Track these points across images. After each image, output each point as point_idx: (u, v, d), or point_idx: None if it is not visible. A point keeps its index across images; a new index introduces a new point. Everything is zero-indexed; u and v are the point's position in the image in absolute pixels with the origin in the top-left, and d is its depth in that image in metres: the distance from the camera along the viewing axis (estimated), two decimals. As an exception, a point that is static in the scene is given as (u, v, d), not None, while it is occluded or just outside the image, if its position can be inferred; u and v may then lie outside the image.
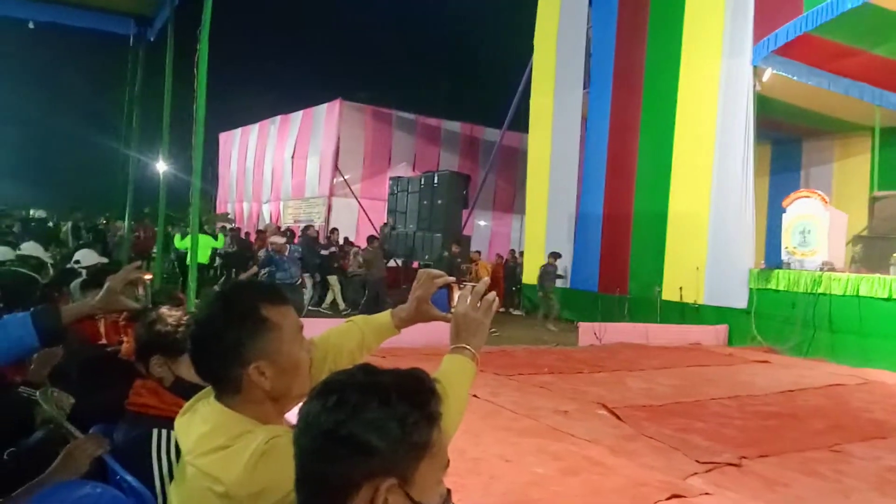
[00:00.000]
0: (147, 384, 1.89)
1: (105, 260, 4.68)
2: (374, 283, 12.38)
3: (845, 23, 9.54)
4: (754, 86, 10.98)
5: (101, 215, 18.49)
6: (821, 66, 11.03)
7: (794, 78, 11.01)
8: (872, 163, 12.79)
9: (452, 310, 1.53)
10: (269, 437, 1.19)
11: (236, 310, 1.30)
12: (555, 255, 13.11)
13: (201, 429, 1.28)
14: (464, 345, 1.48)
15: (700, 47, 11.81)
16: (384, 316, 1.75)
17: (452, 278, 1.74)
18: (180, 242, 12.94)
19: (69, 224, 16.65)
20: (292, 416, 1.11)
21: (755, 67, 10.90)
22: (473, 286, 1.52)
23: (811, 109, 12.93)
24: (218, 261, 15.17)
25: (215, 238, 14.22)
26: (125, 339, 2.82)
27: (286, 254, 10.69)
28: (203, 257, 12.33)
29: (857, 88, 11.49)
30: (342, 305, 12.97)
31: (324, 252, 13.52)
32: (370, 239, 13.27)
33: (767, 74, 11.09)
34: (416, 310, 1.71)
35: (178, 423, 1.36)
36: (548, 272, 12.85)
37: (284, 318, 1.33)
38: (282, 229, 15.19)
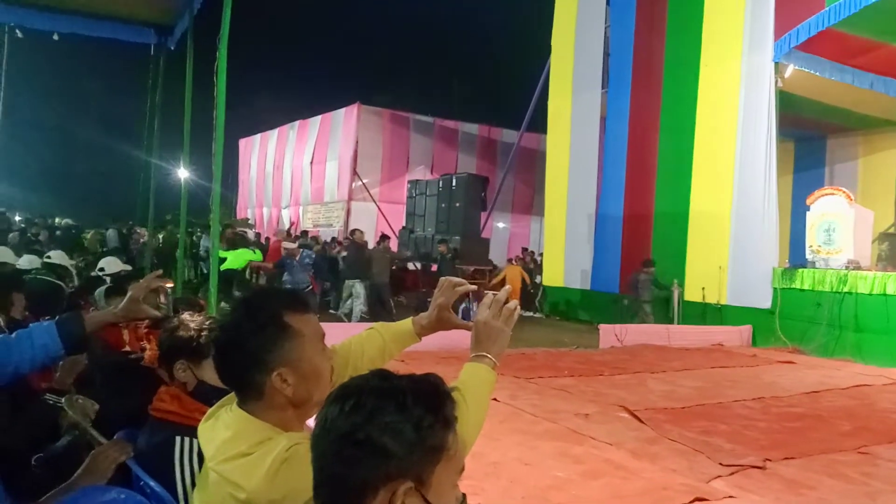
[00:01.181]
0: (170, 390, 1.92)
1: (129, 268, 4.75)
2: (378, 286, 12.08)
3: (868, 16, 9.36)
4: (776, 82, 10.84)
5: (124, 222, 18.83)
6: (844, 61, 10.85)
7: (817, 74, 10.84)
8: (899, 158, 12.57)
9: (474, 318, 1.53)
10: (290, 445, 1.20)
11: (259, 317, 1.32)
12: (648, 263, 11.65)
13: (223, 435, 1.30)
14: (484, 353, 1.48)
15: (720, 44, 11.69)
16: (405, 323, 1.76)
17: (473, 286, 1.74)
18: (227, 260, 11.90)
19: (105, 232, 17.13)
20: (313, 421, 1.13)
21: (777, 64, 10.76)
22: (495, 294, 1.51)
23: (835, 105, 12.72)
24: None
25: (254, 252, 14.13)
26: (148, 346, 2.86)
27: (297, 259, 10.80)
28: (239, 263, 12.21)
29: (882, 83, 11.29)
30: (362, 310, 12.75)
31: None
32: (382, 238, 13.16)
33: (789, 71, 10.94)
34: (438, 317, 1.72)
35: (202, 428, 1.38)
36: (641, 280, 11.56)
37: (306, 325, 1.35)
38: (297, 233, 15.18)
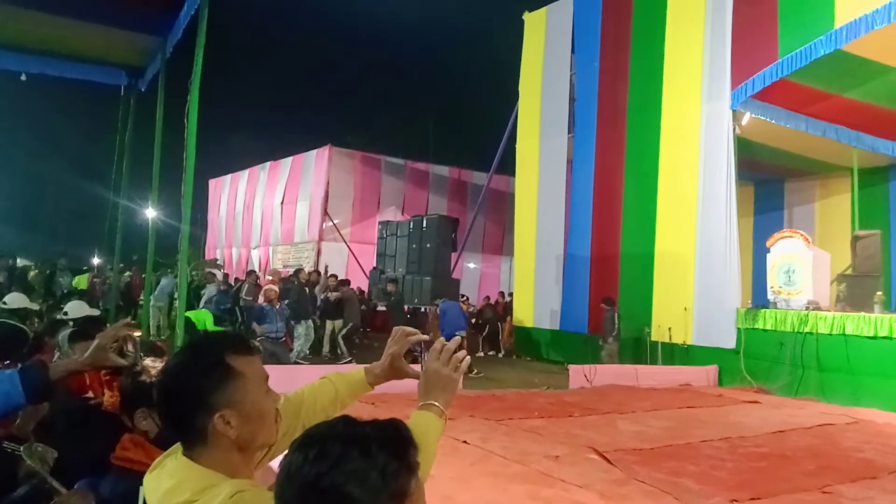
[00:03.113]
0: (134, 438, 1.89)
1: (95, 312, 4.66)
2: (351, 329, 12.14)
3: (819, 68, 9.84)
4: (734, 129, 11.26)
5: (88, 261, 18.45)
6: (798, 109, 11.34)
7: (773, 121, 11.31)
8: (853, 202, 13.04)
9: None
10: (235, 492, 1.19)
11: (203, 359, 1.32)
12: (607, 301, 11.92)
13: (167, 484, 1.28)
14: (433, 401, 1.49)
15: (680, 92, 12.14)
16: (358, 372, 1.77)
17: (426, 336, 1.75)
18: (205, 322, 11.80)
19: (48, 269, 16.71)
20: (276, 463, 1.13)
21: (734, 111, 11.19)
22: (445, 342, 1.52)
23: (791, 151, 13.24)
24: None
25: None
26: (109, 392, 2.81)
27: (277, 307, 10.70)
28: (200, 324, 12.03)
29: (833, 131, 11.80)
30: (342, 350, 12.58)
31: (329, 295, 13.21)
32: (342, 282, 13.11)
33: (746, 118, 11.38)
34: (390, 366, 1.72)
35: (147, 479, 1.36)
36: (605, 319, 11.84)
37: (249, 367, 1.35)
38: (282, 275, 14.85)
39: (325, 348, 12.62)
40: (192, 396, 1.28)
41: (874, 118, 11.64)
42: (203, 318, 11.68)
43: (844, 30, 9.13)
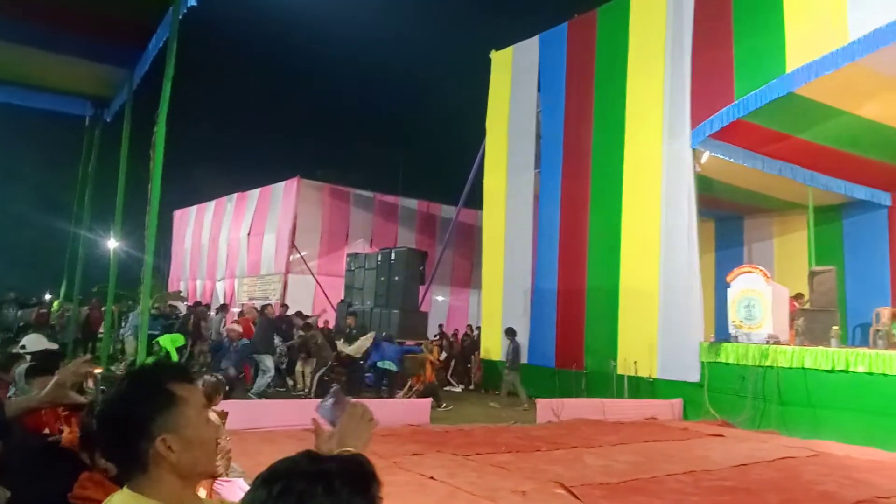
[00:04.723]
0: (93, 476, 1.85)
1: (53, 346, 4.54)
2: (321, 367, 12.00)
3: (773, 110, 10.27)
4: (694, 167, 11.59)
5: (44, 294, 18.00)
6: (755, 149, 11.76)
7: (731, 160, 11.70)
8: (809, 239, 13.46)
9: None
10: None
11: (143, 386, 1.35)
12: (509, 332, 12.97)
13: None
14: (349, 448, 1.50)
15: (642, 131, 12.49)
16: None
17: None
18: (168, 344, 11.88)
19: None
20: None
21: (694, 150, 11.54)
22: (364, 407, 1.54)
23: (750, 189, 13.68)
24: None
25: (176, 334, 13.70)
26: (67, 428, 2.74)
27: (235, 344, 10.61)
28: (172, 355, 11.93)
29: (789, 170, 12.25)
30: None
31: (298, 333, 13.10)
32: (307, 325, 13.02)
33: (706, 156, 11.75)
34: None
35: None
36: (507, 350, 12.83)
37: (191, 394, 1.38)
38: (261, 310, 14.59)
39: (300, 384, 12.52)
40: (134, 422, 1.31)
41: (827, 158, 12.12)
42: (174, 342, 11.68)
43: (796, 74, 9.57)
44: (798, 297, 12.23)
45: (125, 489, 1.33)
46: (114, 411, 1.35)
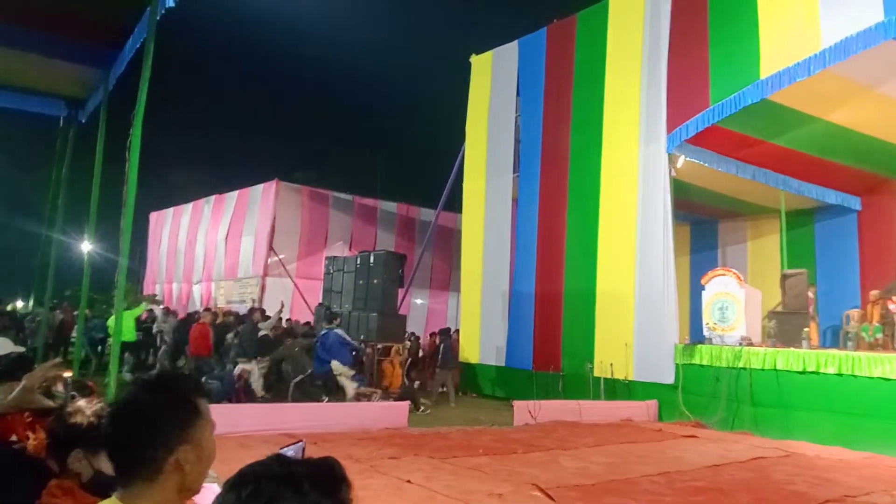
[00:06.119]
0: (62, 484, 1.84)
1: (21, 349, 4.45)
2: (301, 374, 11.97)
3: (747, 116, 10.45)
4: (670, 171, 11.74)
5: (16, 298, 17.66)
6: (729, 153, 11.95)
7: (706, 164, 11.88)
8: (781, 242, 13.70)
9: None
10: None
11: (173, 395, 1.35)
12: (443, 332, 13.94)
13: None
14: None
15: (619, 135, 12.62)
16: None
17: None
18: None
19: None
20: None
21: (670, 154, 11.69)
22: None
23: (724, 193, 13.89)
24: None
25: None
26: (33, 435, 2.71)
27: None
28: (130, 335, 11.72)
29: (762, 174, 12.47)
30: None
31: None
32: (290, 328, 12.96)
33: (681, 161, 11.90)
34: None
35: None
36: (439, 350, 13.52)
37: (208, 410, 1.39)
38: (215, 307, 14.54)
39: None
40: (157, 429, 1.30)
41: (799, 163, 12.35)
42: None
43: (769, 81, 9.75)
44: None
45: (113, 498, 1.30)
46: (135, 414, 1.32)
